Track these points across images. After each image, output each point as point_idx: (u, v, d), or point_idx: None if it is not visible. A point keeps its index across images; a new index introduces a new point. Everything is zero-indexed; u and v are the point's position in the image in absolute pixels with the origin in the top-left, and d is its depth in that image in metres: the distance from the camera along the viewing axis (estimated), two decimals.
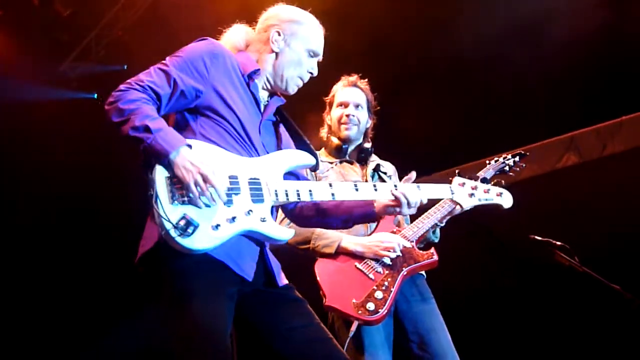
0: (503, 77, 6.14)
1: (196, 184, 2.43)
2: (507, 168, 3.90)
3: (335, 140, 3.98)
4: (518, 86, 6.20)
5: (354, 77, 4.06)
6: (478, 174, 3.82)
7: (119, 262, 6.82)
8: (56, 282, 7.24)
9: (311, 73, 2.92)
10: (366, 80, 4.09)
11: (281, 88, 2.90)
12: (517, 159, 3.94)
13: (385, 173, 3.98)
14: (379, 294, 3.45)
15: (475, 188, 3.12)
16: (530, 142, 5.99)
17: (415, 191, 2.86)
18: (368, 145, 4.02)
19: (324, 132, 4.10)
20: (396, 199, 2.82)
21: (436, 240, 3.86)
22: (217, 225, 2.48)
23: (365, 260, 3.59)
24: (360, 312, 3.41)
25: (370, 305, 3.41)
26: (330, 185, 2.80)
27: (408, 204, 2.82)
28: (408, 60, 6.56)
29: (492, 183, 3.22)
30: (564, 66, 6.04)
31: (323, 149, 4.08)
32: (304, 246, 3.68)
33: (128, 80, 2.55)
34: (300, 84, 2.92)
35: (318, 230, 3.67)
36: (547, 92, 6.12)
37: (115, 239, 7.14)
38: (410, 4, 6.46)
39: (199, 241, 2.43)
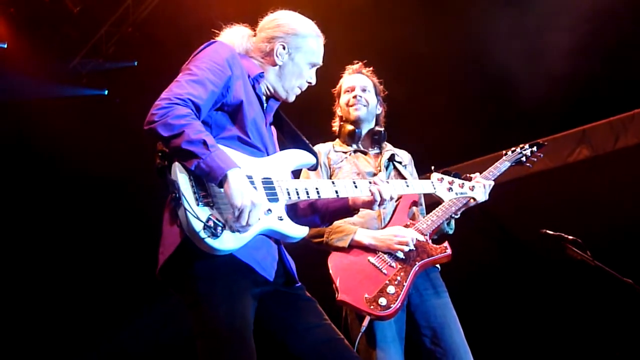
0: (515, 69, 6.11)
1: (243, 212, 2.43)
2: (523, 159, 3.88)
3: (348, 127, 3.96)
4: (530, 79, 6.17)
5: (357, 65, 4.07)
6: (494, 165, 3.82)
7: (130, 258, 6.91)
8: (69, 280, 7.28)
9: (310, 83, 2.96)
10: (371, 68, 4.09)
11: (282, 97, 2.92)
12: (534, 149, 3.91)
13: (400, 162, 3.95)
14: (391, 289, 3.44)
15: (452, 183, 3.24)
16: (542, 135, 5.96)
17: (391, 189, 2.90)
18: (380, 129, 4.00)
19: (335, 125, 4.09)
20: (372, 194, 2.86)
21: (451, 232, 3.84)
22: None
23: (379, 254, 3.58)
24: (372, 307, 3.40)
25: (383, 300, 3.40)
26: (333, 183, 2.83)
27: (381, 200, 2.86)
28: (424, 51, 6.53)
29: (462, 177, 3.31)
30: (576, 58, 6.00)
31: (337, 139, 4.07)
32: (318, 240, 3.68)
33: (166, 96, 2.51)
34: (299, 92, 2.96)
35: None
36: (559, 85, 6.08)
37: (125, 234, 7.20)
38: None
39: (228, 242, 2.45)
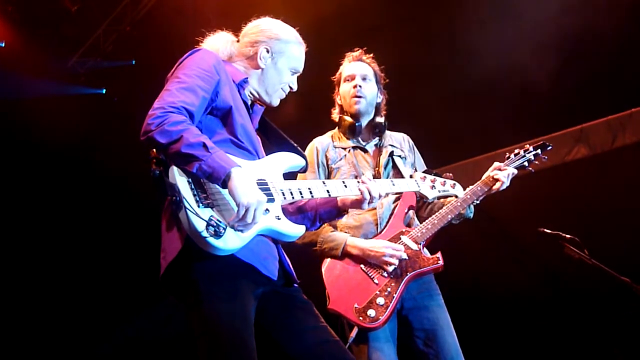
0: (513, 68, 6.11)
1: (248, 210, 2.46)
2: (526, 163, 3.84)
3: (348, 120, 3.92)
4: (528, 77, 6.17)
5: (357, 52, 4.00)
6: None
7: (134, 254, 6.91)
8: (76, 276, 7.30)
9: (291, 88, 3.00)
10: (371, 55, 4.02)
11: (266, 101, 2.96)
12: (538, 151, 3.86)
13: (400, 156, 3.92)
14: (380, 300, 3.50)
15: (434, 181, 3.31)
16: (540, 134, 5.97)
17: (379, 187, 2.94)
18: (381, 119, 3.95)
19: (335, 113, 4.04)
20: (361, 193, 2.91)
21: (471, 216, 3.83)
22: None
23: (371, 262, 3.62)
24: (361, 318, 3.47)
25: (371, 312, 3.46)
26: (324, 183, 2.88)
27: (370, 198, 2.91)
28: (424, 52, 6.53)
29: (443, 176, 3.36)
30: (573, 57, 6.01)
31: (337, 129, 4.03)
32: (312, 248, 3.72)
33: (159, 105, 2.53)
34: (283, 96, 3.00)
35: (323, 231, 3.71)
36: (557, 84, 6.08)
37: (128, 230, 7.21)
38: None
39: (230, 241, 2.48)
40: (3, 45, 7.00)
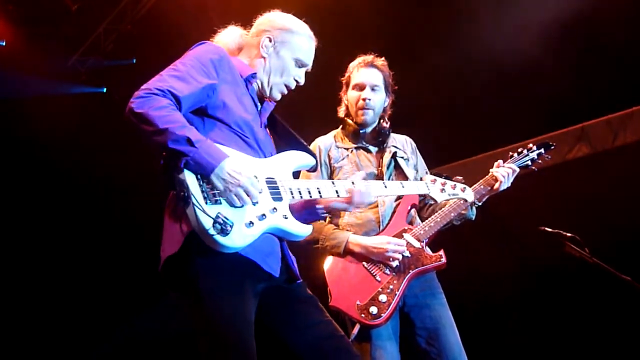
0: (513, 67, 6.10)
1: (237, 194, 2.50)
2: (529, 162, 3.83)
3: (352, 124, 3.91)
4: (528, 75, 6.17)
5: (370, 57, 3.94)
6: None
7: (134, 254, 6.91)
8: (75, 276, 7.30)
9: (297, 82, 2.95)
10: (383, 58, 3.97)
11: (266, 93, 2.92)
12: (542, 150, 3.84)
13: (402, 157, 3.91)
14: (383, 297, 3.50)
15: (444, 184, 3.29)
16: (540, 133, 5.96)
17: (366, 192, 2.91)
18: (385, 125, 3.93)
19: (341, 112, 4.01)
20: (349, 195, 2.88)
21: (473, 217, 3.81)
22: (250, 223, 2.55)
23: (373, 260, 3.61)
24: (363, 315, 3.47)
25: (373, 309, 3.46)
26: (333, 183, 2.87)
27: (360, 201, 2.89)
28: (425, 50, 6.52)
29: (453, 179, 3.34)
30: (573, 56, 6.00)
31: (340, 128, 4.01)
32: (314, 245, 3.71)
33: (145, 87, 2.51)
34: (285, 91, 2.95)
35: (325, 229, 3.70)
36: (557, 82, 6.08)
37: (128, 230, 7.21)
38: None
39: (237, 239, 2.48)
40: (4, 44, 7.00)
